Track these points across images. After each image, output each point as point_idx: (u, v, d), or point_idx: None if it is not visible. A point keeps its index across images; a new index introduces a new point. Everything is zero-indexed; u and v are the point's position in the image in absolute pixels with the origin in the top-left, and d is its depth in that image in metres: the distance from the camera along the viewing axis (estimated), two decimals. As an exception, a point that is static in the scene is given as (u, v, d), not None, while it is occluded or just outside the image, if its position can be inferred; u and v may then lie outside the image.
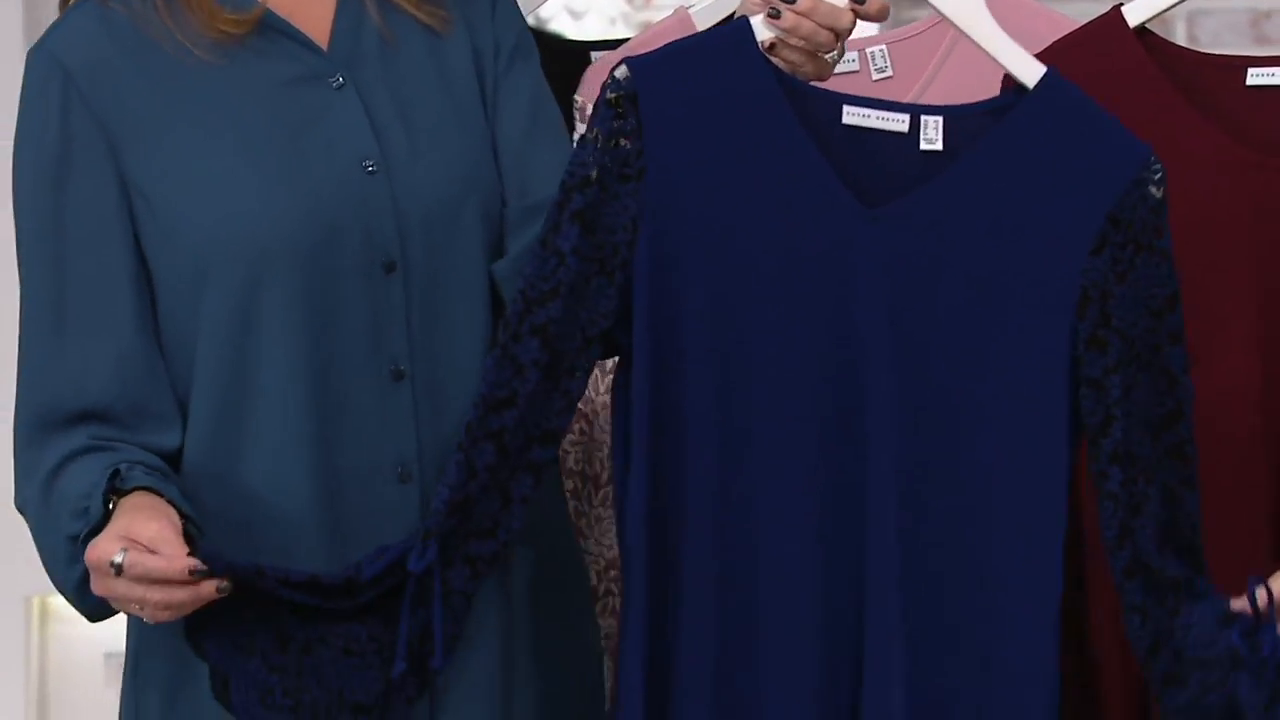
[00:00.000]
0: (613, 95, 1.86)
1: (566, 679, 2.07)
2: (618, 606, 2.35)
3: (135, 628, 1.98)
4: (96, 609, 1.90)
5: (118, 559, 1.77)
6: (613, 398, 1.90)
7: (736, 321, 1.86)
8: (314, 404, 1.93)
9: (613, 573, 2.36)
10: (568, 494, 2.34)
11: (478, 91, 2.02)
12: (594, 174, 1.85)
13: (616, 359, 1.99)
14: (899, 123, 1.86)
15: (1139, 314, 1.85)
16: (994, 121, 1.86)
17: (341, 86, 1.96)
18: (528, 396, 1.86)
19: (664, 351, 1.86)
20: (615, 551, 2.37)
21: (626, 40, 2.46)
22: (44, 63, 1.95)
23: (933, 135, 1.86)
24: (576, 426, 2.36)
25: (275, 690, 1.80)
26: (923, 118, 1.86)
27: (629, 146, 1.86)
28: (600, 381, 2.38)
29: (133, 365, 1.93)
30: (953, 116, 1.87)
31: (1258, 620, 1.79)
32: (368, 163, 1.95)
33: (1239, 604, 1.82)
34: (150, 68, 1.94)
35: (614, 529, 2.37)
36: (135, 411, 1.93)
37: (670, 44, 1.91)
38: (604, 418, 2.39)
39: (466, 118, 2.00)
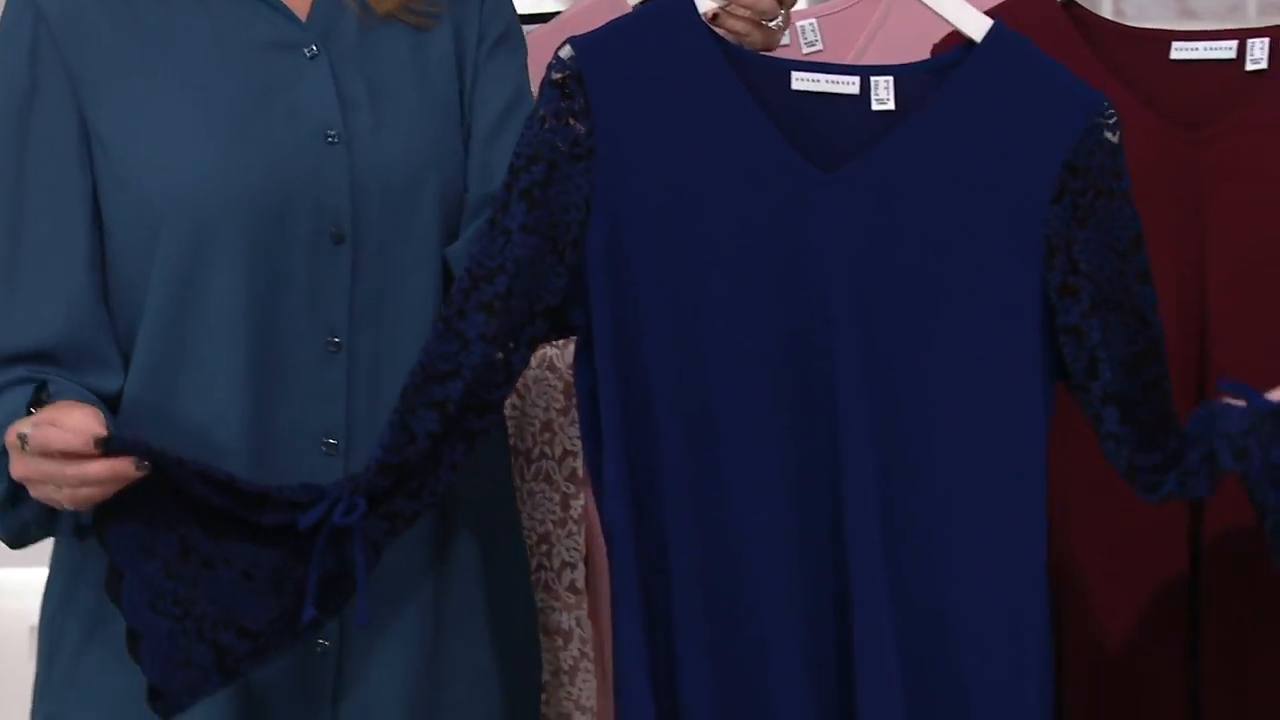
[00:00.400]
0: (559, 75, 1.86)
1: (499, 651, 2.06)
2: (549, 581, 2.35)
3: (65, 555, 1.96)
4: (15, 532, 1.89)
5: (25, 430, 1.75)
6: (575, 377, 1.90)
7: (697, 294, 1.85)
8: (249, 368, 1.92)
9: (544, 547, 2.35)
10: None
11: (455, 80, 2.02)
12: (543, 154, 1.85)
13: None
14: (849, 85, 1.86)
15: (1105, 257, 1.86)
16: (944, 78, 1.86)
17: (315, 56, 1.96)
18: (474, 369, 1.86)
19: (625, 328, 1.85)
20: (547, 526, 2.37)
21: (558, 14, 2.46)
22: (20, 1, 1.95)
23: (884, 95, 1.86)
24: (508, 401, 2.35)
25: (168, 597, 1.79)
26: (873, 78, 1.86)
27: (578, 126, 1.85)
28: (532, 356, 2.37)
29: (81, 309, 1.92)
30: (903, 75, 1.87)
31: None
32: (330, 134, 1.94)
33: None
34: (125, 18, 1.94)
35: (545, 503, 2.37)
36: (79, 354, 1.92)
37: (614, 20, 1.90)
38: (535, 392, 2.38)
39: (436, 102, 2.00)
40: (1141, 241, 1.88)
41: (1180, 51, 2.19)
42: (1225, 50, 2.17)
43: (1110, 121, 1.87)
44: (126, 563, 1.78)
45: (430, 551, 1.99)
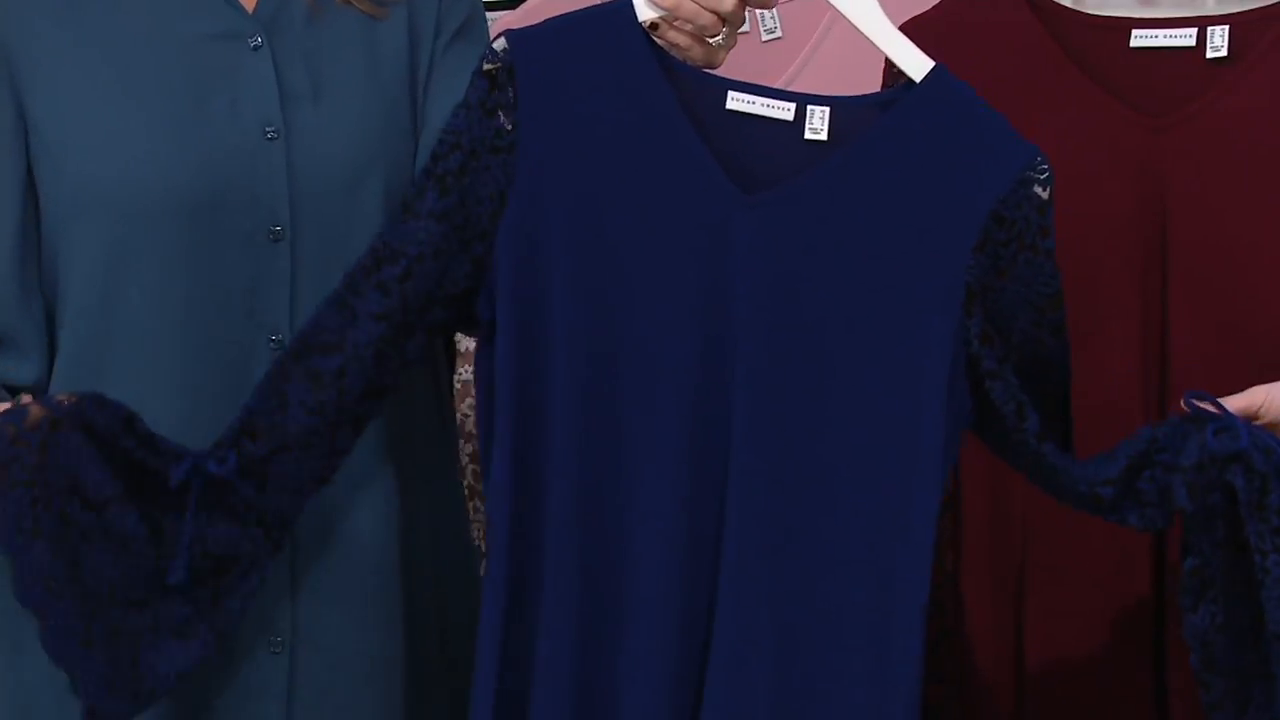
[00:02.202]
0: (490, 66, 1.85)
1: (449, 646, 2.07)
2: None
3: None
4: None
5: None
6: (475, 369, 1.89)
7: (605, 302, 1.84)
8: (183, 366, 1.92)
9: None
10: (467, 457, 2.35)
11: (406, 71, 2.00)
12: (463, 143, 1.85)
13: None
14: (784, 111, 1.85)
15: (1021, 309, 1.86)
16: (880, 113, 1.85)
17: (258, 47, 1.94)
18: (361, 347, 1.85)
19: (529, 325, 1.84)
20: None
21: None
22: None
23: (818, 125, 1.84)
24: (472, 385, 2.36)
25: (60, 575, 1.79)
26: (809, 107, 1.84)
27: (503, 119, 1.85)
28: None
29: (6, 294, 1.93)
30: (839, 107, 1.85)
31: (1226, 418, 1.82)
32: (269, 129, 1.93)
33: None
34: (72, 4, 1.93)
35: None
36: None
37: (552, 19, 1.89)
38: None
39: (384, 94, 1.98)
40: (1060, 299, 1.87)
41: (1140, 39, 2.17)
42: (1185, 38, 2.16)
43: (1042, 176, 1.85)
44: (13, 547, 1.79)
45: (381, 547, 1.99)
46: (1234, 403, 1.86)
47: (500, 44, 1.86)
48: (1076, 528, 2.10)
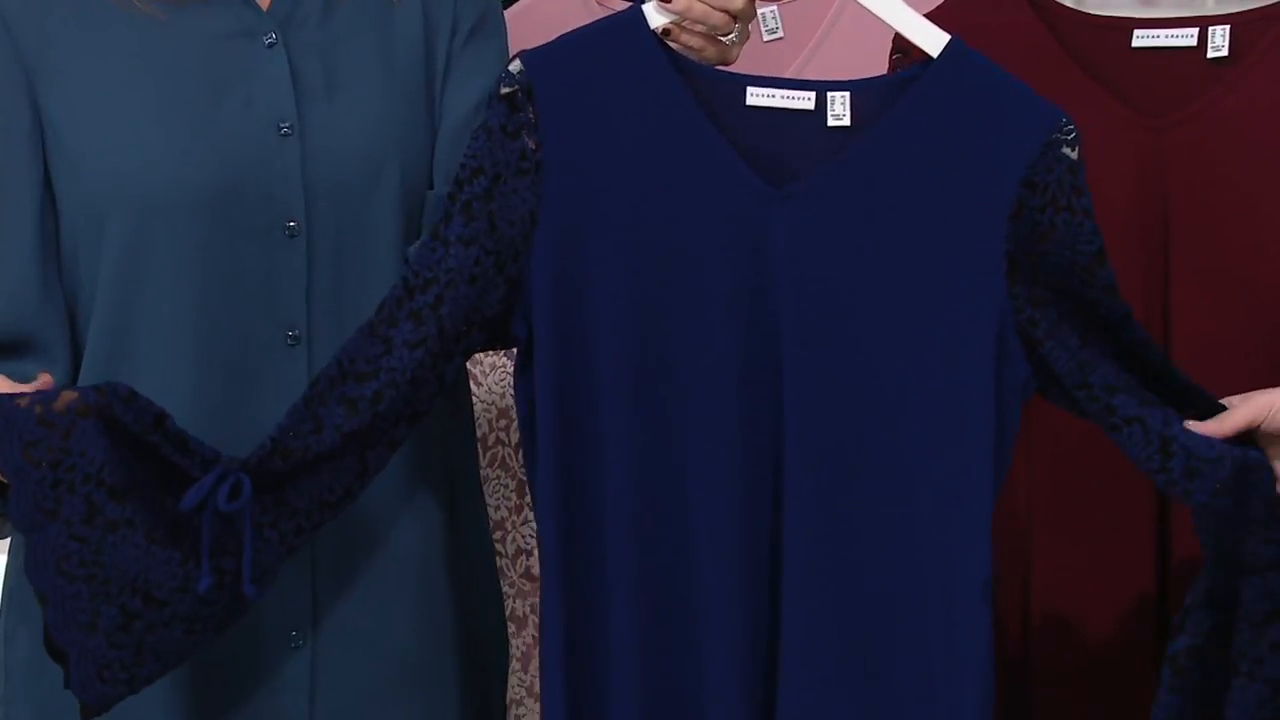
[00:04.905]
0: (507, 89, 1.84)
1: (470, 642, 2.05)
2: (504, 567, 2.36)
3: (18, 563, 1.96)
4: None
5: None
6: (516, 391, 1.88)
7: (647, 312, 1.83)
8: (201, 362, 1.91)
9: (499, 533, 2.36)
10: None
11: (421, 64, 1.99)
12: (486, 167, 1.83)
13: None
14: (805, 101, 1.84)
15: (1069, 271, 1.84)
16: (901, 93, 1.84)
17: (273, 44, 1.94)
18: (395, 373, 1.84)
19: (569, 343, 1.84)
20: (502, 513, 2.37)
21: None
22: None
23: (840, 111, 1.84)
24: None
25: (73, 558, 1.78)
26: (829, 94, 1.84)
27: (526, 140, 1.83)
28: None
29: (26, 297, 1.92)
30: (860, 91, 1.85)
31: None
32: (283, 125, 1.93)
33: None
34: (86, 6, 1.92)
35: (500, 489, 2.37)
36: (20, 344, 1.92)
37: (564, 35, 1.88)
38: (493, 378, 2.38)
39: (400, 87, 1.98)
40: (1104, 256, 1.85)
41: (1142, 39, 2.19)
42: (1186, 38, 2.17)
43: (1069, 137, 1.84)
44: (28, 525, 1.77)
45: (402, 544, 1.98)
46: (1236, 416, 1.83)
47: (515, 66, 1.85)
48: (1082, 514, 2.11)
